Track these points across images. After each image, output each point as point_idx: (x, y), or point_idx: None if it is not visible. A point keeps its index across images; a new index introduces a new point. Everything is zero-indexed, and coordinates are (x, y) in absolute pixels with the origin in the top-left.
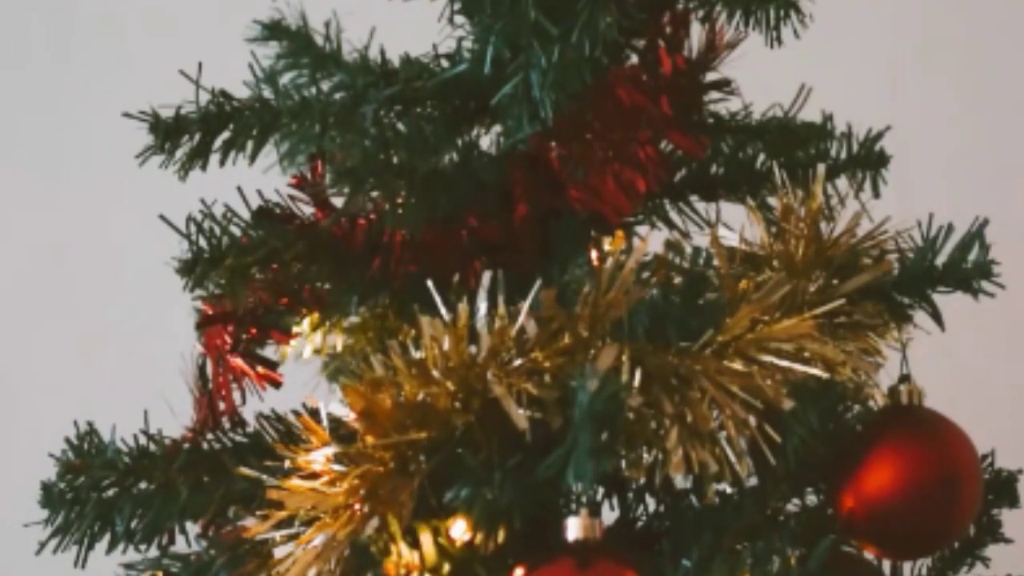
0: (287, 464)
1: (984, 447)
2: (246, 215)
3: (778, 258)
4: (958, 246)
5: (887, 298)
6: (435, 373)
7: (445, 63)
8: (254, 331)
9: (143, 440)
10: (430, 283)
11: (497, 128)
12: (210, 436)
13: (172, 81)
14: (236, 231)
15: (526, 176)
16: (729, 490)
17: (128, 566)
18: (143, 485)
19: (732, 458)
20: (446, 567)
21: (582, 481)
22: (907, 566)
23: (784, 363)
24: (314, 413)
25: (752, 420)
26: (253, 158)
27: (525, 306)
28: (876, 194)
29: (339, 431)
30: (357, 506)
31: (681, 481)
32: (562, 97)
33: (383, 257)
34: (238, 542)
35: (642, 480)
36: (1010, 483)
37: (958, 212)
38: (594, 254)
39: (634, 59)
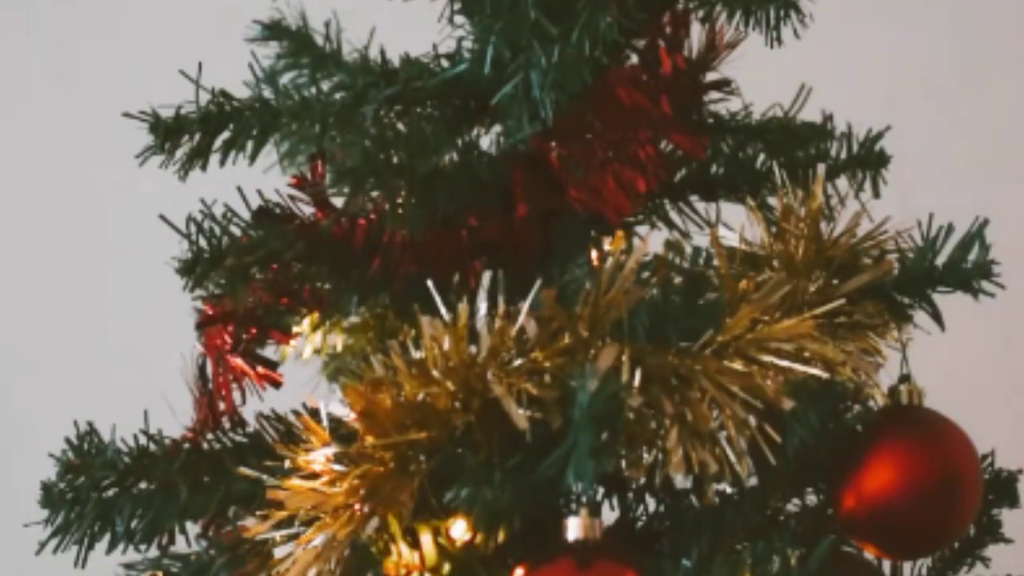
0: (287, 464)
1: (984, 447)
2: (246, 215)
3: (778, 258)
4: (958, 246)
5: (887, 298)
6: (435, 373)
7: (445, 63)
8: (254, 331)
9: (143, 440)
10: (430, 283)
11: (497, 128)
12: (210, 436)
13: (172, 81)
14: (236, 231)
15: (526, 176)
16: (729, 490)
17: (128, 566)
18: (143, 485)
19: (732, 458)
20: (446, 567)
21: (582, 481)
22: (907, 566)
23: (784, 363)
24: (314, 413)
25: (752, 420)
26: (253, 158)
27: (525, 306)
28: (876, 194)
29: (339, 431)
30: (357, 506)
31: (681, 481)
32: (562, 97)
33: (383, 257)
34: (238, 542)
35: (642, 480)
36: (1010, 483)
37: (958, 212)
38: (594, 254)
39: (634, 59)
